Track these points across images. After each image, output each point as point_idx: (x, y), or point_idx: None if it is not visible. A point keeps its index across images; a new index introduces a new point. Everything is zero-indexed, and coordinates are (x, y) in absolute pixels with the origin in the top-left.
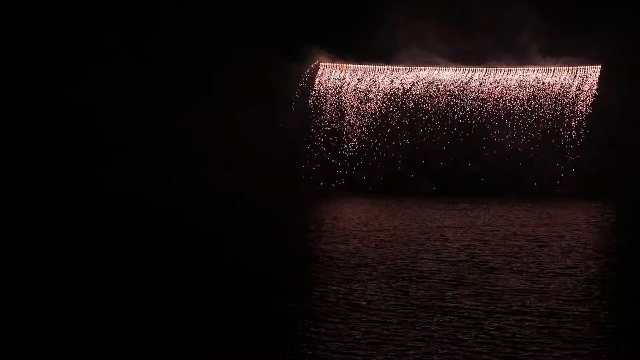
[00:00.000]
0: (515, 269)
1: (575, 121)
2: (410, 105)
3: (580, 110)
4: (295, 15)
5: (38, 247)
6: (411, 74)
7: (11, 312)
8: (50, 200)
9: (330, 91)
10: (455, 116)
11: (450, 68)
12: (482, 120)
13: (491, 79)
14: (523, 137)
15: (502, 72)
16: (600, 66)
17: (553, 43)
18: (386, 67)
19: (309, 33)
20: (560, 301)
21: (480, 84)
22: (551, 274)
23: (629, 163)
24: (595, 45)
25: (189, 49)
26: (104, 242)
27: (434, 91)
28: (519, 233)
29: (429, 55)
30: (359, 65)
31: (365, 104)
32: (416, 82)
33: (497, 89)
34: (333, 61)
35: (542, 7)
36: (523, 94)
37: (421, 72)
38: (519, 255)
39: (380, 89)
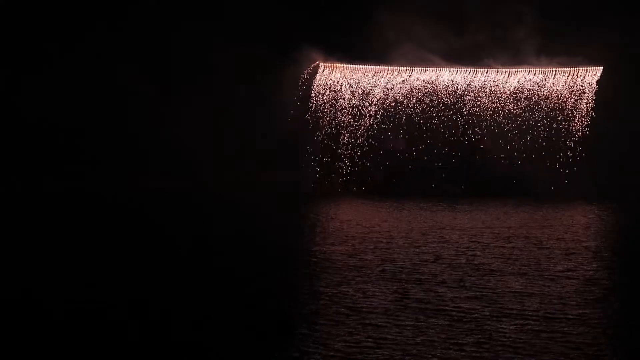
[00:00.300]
0: (514, 271)
1: (570, 141)
2: (404, 119)
3: (576, 129)
4: (287, 14)
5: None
6: (405, 85)
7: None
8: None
9: (327, 105)
10: (447, 133)
11: (442, 69)
12: (475, 137)
13: (487, 90)
14: (517, 160)
15: (496, 79)
16: (602, 68)
17: (549, 42)
18: (380, 68)
19: (301, 32)
20: (560, 304)
21: (475, 97)
22: (551, 276)
23: (628, 165)
24: (595, 45)
25: (182, 49)
26: (99, 246)
27: (427, 104)
28: (518, 235)
29: (422, 53)
30: (354, 66)
31: (359, 121)
32: (409, 95)
33: (490, 99)
34: (326, 60)
35: (539, 3)
36: (516, 110)
37: (415, 82)
38: (519, 257)
39: (373, 103)
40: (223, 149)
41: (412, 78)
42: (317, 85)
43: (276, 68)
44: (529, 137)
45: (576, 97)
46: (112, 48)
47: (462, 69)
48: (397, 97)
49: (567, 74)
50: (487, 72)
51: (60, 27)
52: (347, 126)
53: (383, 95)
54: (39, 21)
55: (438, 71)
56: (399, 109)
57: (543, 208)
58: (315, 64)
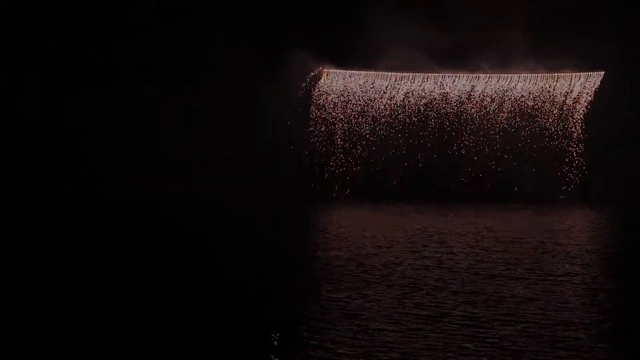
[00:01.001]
0: (515, 276)
1: (570, 146)
2: (397, 143)
3: (575, 134)
4: (283, 15)
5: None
6: (403, 104)
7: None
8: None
9: (325, 114)
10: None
11: (440, 77)
12: (469, 143)
13: (485, 97)
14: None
15: (495, 85)
16: (602, 72)
17: (548, 44)
18: (377, 74)
19: (297, 33)
20: (562, 308)
21: (471, 115)
22: (552, 281)
23: (628, 169)
24: (594, 46)
25: (180, 50)
26: (99, 246)
27: (419, 122)
28: (519, 239)
29: (414, 54)
30: (352, 72)
31: (354, 149)
32: (406, 112)
33: (481, 105)
34: (316, 60)
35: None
36: (514, 115)
37: (409, 104)
38: (520, 262)
39: (362, 135)
40: (222, 151)
41: (410, 97)
42: (318, 91)
43: (275, 69)
44: (523, 145)
45: (575, 102)
46: (112, 48)
47: (456, 76)
48: (390, 120)
49: (568, 80)
50: (488, 79)
51: (60, 27)
52: (345, 134)
53: (381, 108)
54: (39, 21)
55: (435, 80)
56: (395, 125)
57: (543, 212)
58: (319, 70)
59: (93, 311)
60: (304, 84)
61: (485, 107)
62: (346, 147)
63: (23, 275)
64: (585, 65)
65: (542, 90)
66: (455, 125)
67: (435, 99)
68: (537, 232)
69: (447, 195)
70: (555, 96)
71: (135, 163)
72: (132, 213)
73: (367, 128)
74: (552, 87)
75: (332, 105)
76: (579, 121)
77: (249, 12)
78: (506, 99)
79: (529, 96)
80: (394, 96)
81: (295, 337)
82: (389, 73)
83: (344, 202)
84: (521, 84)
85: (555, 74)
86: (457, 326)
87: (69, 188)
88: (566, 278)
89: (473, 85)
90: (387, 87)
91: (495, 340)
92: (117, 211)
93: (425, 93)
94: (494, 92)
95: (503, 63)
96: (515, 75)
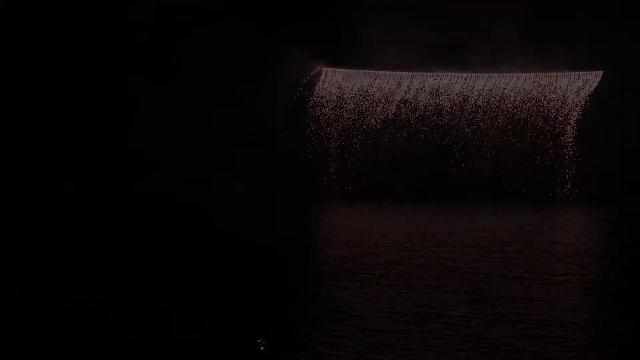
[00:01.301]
0: (512, 276)
1: (568, 143)
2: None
3: (574, 132)
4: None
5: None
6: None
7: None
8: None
9: (323, 114)
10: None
11: (427, 78)
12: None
13: (481, 96)
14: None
15: (493, 84)
16: (602, 72)
17: (547, 42)
18: (375, 73)
19: (292, 33)
20: (559, 309)
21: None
22: (549, 281)
23: (626, 167)
24: (594, 43)
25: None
26: (99, 247)
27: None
28: (516, 239)
29: (406, 52)
30: (350, 71)
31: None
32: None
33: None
34: (316, 60)
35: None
36: (511, 112)
37: (400, 109)
38: (516, 261)
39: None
40: (219, 151)
41: (402, 109)
42: (313, 101)
43: (272, 69)
44: (525, 139)
45: (573, 101)
46: (111, 47)
47: (449, 78)
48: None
49: (565, 82)
50: (484, 82)
51: (59, 27)
52: (341, 135)
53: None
54: (39, 21)
55: (432, 84)
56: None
57: (541, 211)
58: (318, 69)
59: (93, 311)
60: (296, 95)
61: (478, 122)
62: (337, 166)
63: (23, 275)
64: (582, 64)
65: (537, 100)
66: (446, 140)
67: (427, 109)
68: (534, 231)
69: (444, 196)
70: (550, 110)
71: (133, 163)
72: (132, 213)
73: (358, 143)
74: (547, 98)
75: (326, 118)
76: (572, 141)
77: (248, 11)
78: (500, 112)
79: (522, 107)
80: (387, 108)
81: (292, 337)
82: (387, 72)
83: (342, 203)
84: (514, 93)
85: (555, 74)
86: (454, 326)
87: (69, 188)
88: (563, 277)
89: (466, 96)
90: (380, 99)
91: (492, 341)
92: (117, 211)
93: (419, 105)
94: (486, 104)
95: (495, 61)
96: (509, 77)
